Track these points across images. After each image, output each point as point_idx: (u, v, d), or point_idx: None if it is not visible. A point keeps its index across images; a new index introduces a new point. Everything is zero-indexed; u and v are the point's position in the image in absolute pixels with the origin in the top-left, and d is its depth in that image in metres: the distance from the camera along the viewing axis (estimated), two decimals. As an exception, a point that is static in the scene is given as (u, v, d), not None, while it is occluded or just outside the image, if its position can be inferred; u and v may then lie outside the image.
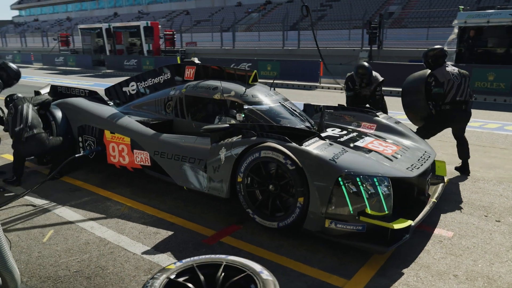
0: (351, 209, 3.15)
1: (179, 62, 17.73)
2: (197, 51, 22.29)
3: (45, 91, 5.88)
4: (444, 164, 4.67)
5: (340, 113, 4.92)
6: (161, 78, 5.55)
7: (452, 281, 2.93)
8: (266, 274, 2.27)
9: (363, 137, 4.18)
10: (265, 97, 4.52)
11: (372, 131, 4.49)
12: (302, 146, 3.32)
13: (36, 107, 4.92)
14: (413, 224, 3.27)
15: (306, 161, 3.24)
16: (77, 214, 4.04)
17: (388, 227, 3.06)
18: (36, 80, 18.29)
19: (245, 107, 4.36)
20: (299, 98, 8.43)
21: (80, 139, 5.08)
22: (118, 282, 2.91)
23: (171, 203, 4.32)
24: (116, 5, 56.46)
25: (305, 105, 5.37)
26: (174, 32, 22.63)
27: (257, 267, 2.34)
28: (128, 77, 6.05)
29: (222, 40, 23.19)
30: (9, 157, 5.96)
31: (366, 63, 5.91)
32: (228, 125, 3.92)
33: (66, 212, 4.09)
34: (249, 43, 26.01)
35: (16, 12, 66.93)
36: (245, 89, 4.49)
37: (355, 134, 4.29)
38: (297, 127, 4.28)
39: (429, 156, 4.00)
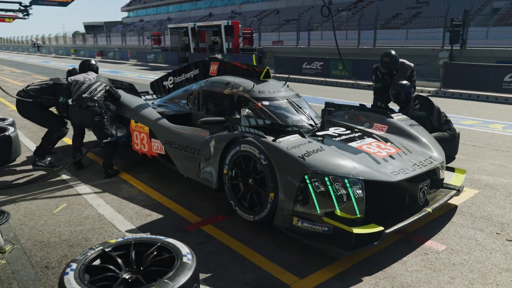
0: (318, 209, 3.09)
1: (254, 61, 18.04)
2: (274, 50, 22.58)
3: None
4: (463, 173, 4.27)
5: (355, 112, 4.74)
6: (192, 74, 5.87)
7: (412, 295, 2.73)
8: (188, 258, 2.39)
9: (364, 138, 4.00)
10: (272, 93, 4.55)
11: (382, 133, 4.27)
12: (274, 142, 3.33)
13: (109, 91, 5.30)
14: (387, 231, 3.09)
15: (276, 157, 3.25)
16: (92, 192, 4.52)
17: (347, 230, 2.94)
18: (125, 75, 20.19)
19: (264, 102, 4.43)
20: (367, 99, 8.24)
21: (114, 126, 5.62)
22: (92, 253, 3.23)
23: (176, 190, 4.60)
24: (212, 5, 59.45)
25: (326, 103, 5.25)
26: (253, 31, 23.19)
27: (184, 250, 2.47)
28: (168, 72, 6.50)
29: (298, 39, 23.17)
30: (68, 141, 6.80)
31: (392, 51, 5.70)
32: (223, 118, 4.06)
33: (85, 190, 4.60)
34: (333, 42, 25.50)
35: (125, 14, 74.14)
36: (253, 85, 4.57)
37: (357, 134, 4.12)
38: (298, 124, 4.26)
39: (431, 163, 3.69)
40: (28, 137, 7.05)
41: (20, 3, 10.63)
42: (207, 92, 4.97)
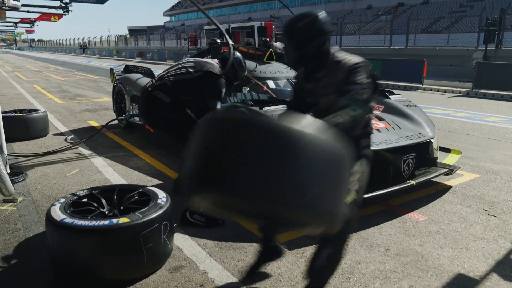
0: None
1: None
2: (306, 51, 22.67)
3: (120, 68, 7.05)
4: (458, 153, 4.28)
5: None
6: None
7: (378, 253, 2.82)
8: (162, 200, 2.64)
9: (356, 115, 4.10)
10: (274, 73, 4.75)
11: (377, 112, 4.34)
12: (260, 110, 3.52)
13: None
14: (364, 196, 3.18)
15: (260, 123, 3.44)
16: (104, 162, 4.88)
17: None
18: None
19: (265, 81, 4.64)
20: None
21: (131, 106, 6.01)
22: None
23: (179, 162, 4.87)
24: (251, 10, 60.27)
25: None
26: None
27: (160, 195, 2.71)
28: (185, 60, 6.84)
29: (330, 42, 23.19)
30: (92, 123, 7.30)
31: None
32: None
33: (98, 160, 4.98)
34: (374, 46, 25.43)
35: (167, 18, 76.57)
36: (256, 65, 4.79)
37: (351, 112, 4.22)
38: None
39: (418, 138, 3.74)
40: (58, 119, 7.61)
41: (61, 0, 11.35)
42: (214, 74, 5.23)
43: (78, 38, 57.86)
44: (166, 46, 38.99)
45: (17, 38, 56.14)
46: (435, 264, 2.69)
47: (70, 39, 66.07)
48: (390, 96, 4.51)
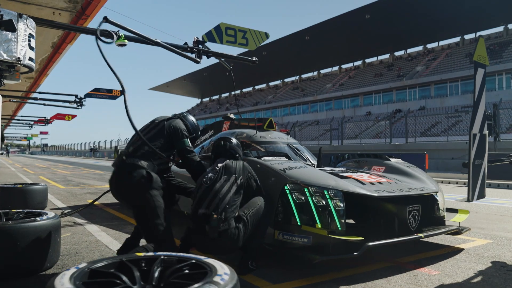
0: (298, 220, 3.10)
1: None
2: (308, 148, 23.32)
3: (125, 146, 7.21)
4: (466, 213, 4.10)
5: (358, 160, 4.84)
6: (208, 135, 6.34)
7: (388, 300, 2.54)
8: (221, 278, 1.72)
9: (357, 172, 4.05)
10: (274, 139, 4.83)
11: (379, 173, 4.30)
12: (259, 159, 3.50)
13: None
14: (369, 244, 2.99)
15: (259, 171, 3.38)
16: (98, 228, 4.70)
17: (324, 234, 2.90)
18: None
19: (264, 145, 4.71)
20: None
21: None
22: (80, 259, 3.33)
23: (177, 229, 4.67)
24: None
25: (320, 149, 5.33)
26: (288, 132, 24.32)
27: (220, 270, 1.81)
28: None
29: (332, 141, 23.96)
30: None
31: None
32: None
33: (91, 227, 4.80)
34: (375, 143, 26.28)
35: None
36: (256, 132, 4.89)
37: (352, 170, 4.18)
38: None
39: (422, 190, 3.63)
40: (59, 199, 7.54)
41: (76, 96, 12.07)
42: (216, 143, 5.33)
43: (89, 142, 60.48)
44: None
45: (30, 141, 58.46)
46: (453, 309, 2.40)
47: (81, 143, 68.92)
48: (390, 159, 4.50)
